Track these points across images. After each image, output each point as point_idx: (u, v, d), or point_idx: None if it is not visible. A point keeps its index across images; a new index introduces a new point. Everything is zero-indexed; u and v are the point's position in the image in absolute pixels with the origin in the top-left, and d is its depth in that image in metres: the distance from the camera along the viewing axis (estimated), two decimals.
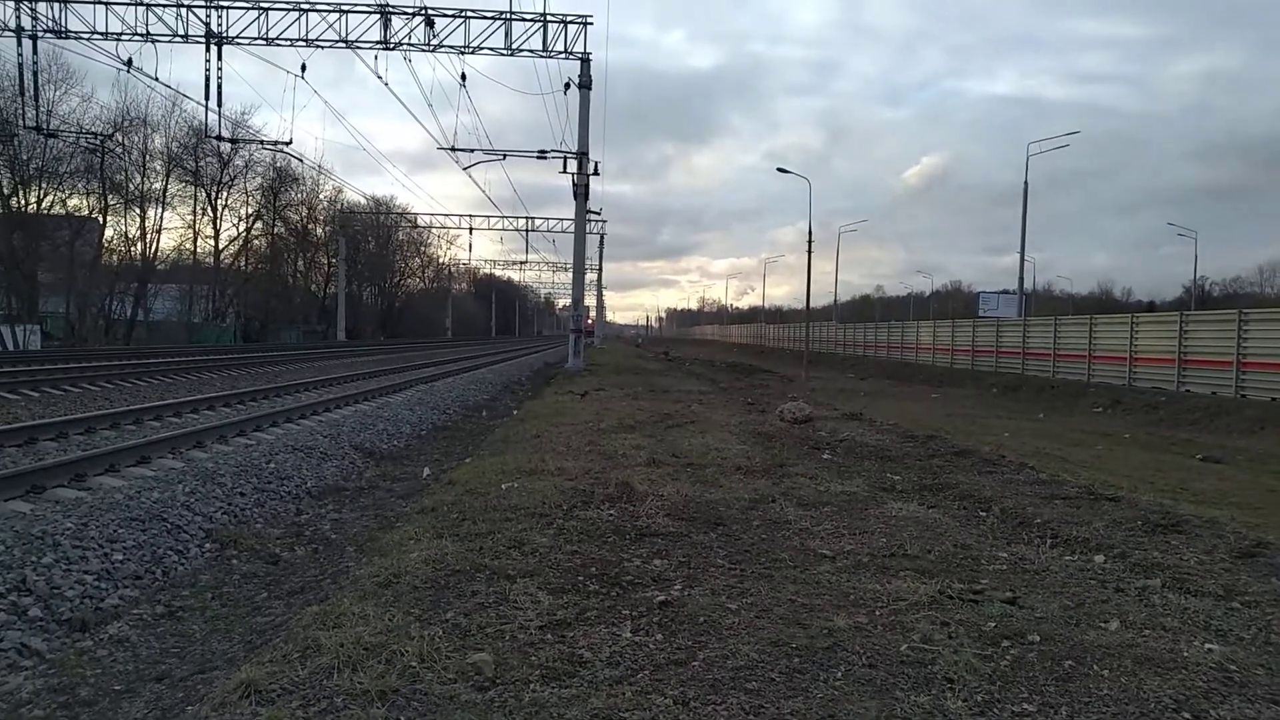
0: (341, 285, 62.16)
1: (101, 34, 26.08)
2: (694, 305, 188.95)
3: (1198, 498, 9.38)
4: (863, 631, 3.93)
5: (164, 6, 26.13)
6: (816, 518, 6.35)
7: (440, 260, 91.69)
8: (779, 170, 39.91)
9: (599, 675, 3.43)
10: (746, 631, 3.91)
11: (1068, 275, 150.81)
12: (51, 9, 25.98)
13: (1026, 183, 40.30)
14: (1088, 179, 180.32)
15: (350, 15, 26.69)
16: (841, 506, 6.80)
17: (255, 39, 26.62)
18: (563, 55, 28.00)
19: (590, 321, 63.56)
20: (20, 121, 31.22)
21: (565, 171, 29.69)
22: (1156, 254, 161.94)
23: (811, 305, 41.54)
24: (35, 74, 27.61)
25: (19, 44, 26.39)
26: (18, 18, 25.95)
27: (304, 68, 27.51)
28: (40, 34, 26.43)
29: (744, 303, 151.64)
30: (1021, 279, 41.77)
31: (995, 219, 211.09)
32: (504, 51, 27.58)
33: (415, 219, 69.38)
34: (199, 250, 52.47)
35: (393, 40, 27.00)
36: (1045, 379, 29.98)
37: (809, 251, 37.25)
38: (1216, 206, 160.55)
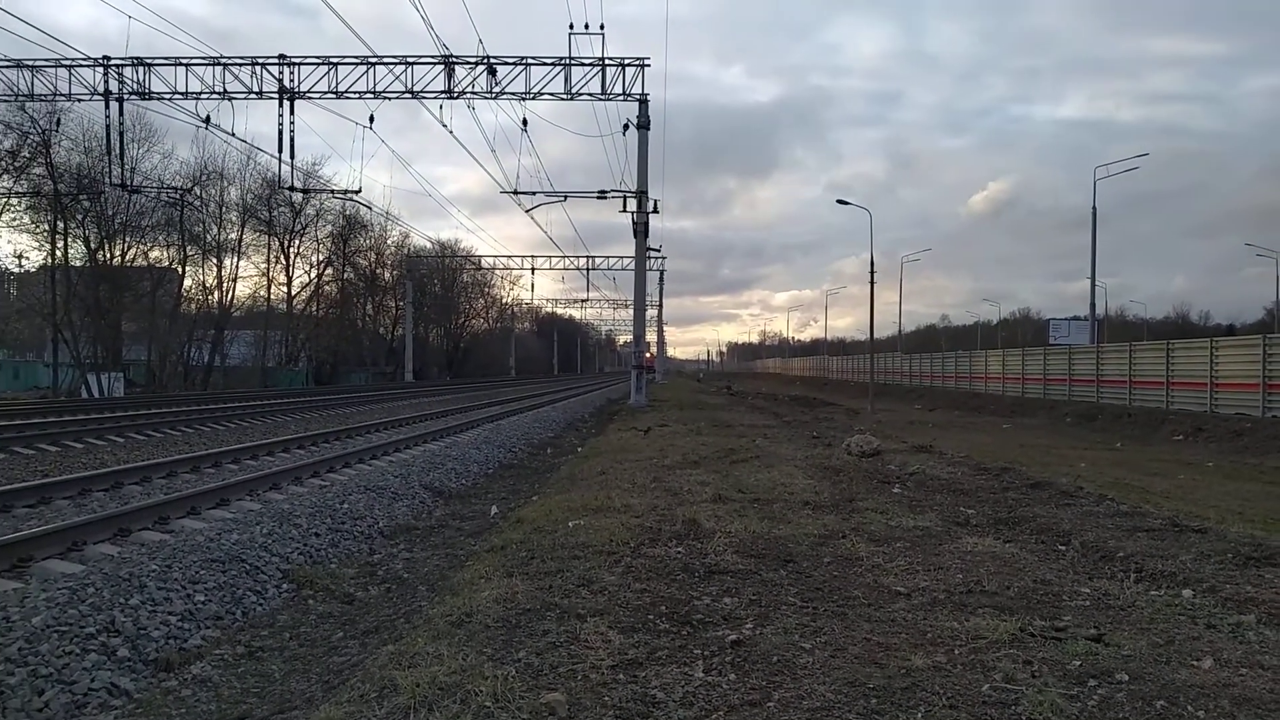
0: (409, 327, 63.49)
1: (181, 94, 27.36)
2: (755, 339, 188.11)
3: None
4: (942, 671, 3.82)
5: (240, 65, 27.32)
6: (889, 554, 6.23)
7: (504, 300, 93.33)
8: (839, 202, 39.84)
9: (673, 716, 3.40)
10: (821, 671, 3.84)
11: (1142, 300, 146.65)
12: (136, 73, 27.37)
13: (1095, 207, 39.47)
14: (1163, 200, 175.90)
15: (416, 66, 27.52)
16: (914, 542, 6.66)
17: (325, 93, 27.59)
18: (621, 97, 28.45)
19: (651, 357, 63.78)
20: (107, 179, 32.82)
21: (625, 210, 30.02)
22: (1237, 276, 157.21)
23: (876, 336, 41.06)
24: (121, 134, 29.06)
25: (106, 107, 27.85)
26: (106, 83, 27.39)
27: (372, 118, 28.46)
28: (126, 96, 27.84)
29: (806, 335, 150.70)
30: (1094, 304, 40.73)
31: (1066, 244, 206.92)
32: (564, 96, 28.13)
33: (479, 261, 70.94)
34: (273, 296, 54.30)
35: (456, 89, 27.75)
36: (1121, 407, 29.07)
37: (871, 283, 36.93)
38: None
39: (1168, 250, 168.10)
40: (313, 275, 57.54)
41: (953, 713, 3.39)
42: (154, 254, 43.68)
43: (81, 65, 27.25)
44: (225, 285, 48.71)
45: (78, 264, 39.94)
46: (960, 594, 5.14)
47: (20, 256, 42.60)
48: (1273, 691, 3.55)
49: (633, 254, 31.53)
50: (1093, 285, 39.79)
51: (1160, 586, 5.39)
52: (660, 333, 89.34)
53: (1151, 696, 3.49)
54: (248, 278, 54.65)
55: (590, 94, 28.27)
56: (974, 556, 6.14)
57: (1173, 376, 27.27)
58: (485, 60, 27.55)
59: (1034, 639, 4.24)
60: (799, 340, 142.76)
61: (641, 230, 29.89)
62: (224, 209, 47.93)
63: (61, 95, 28.11)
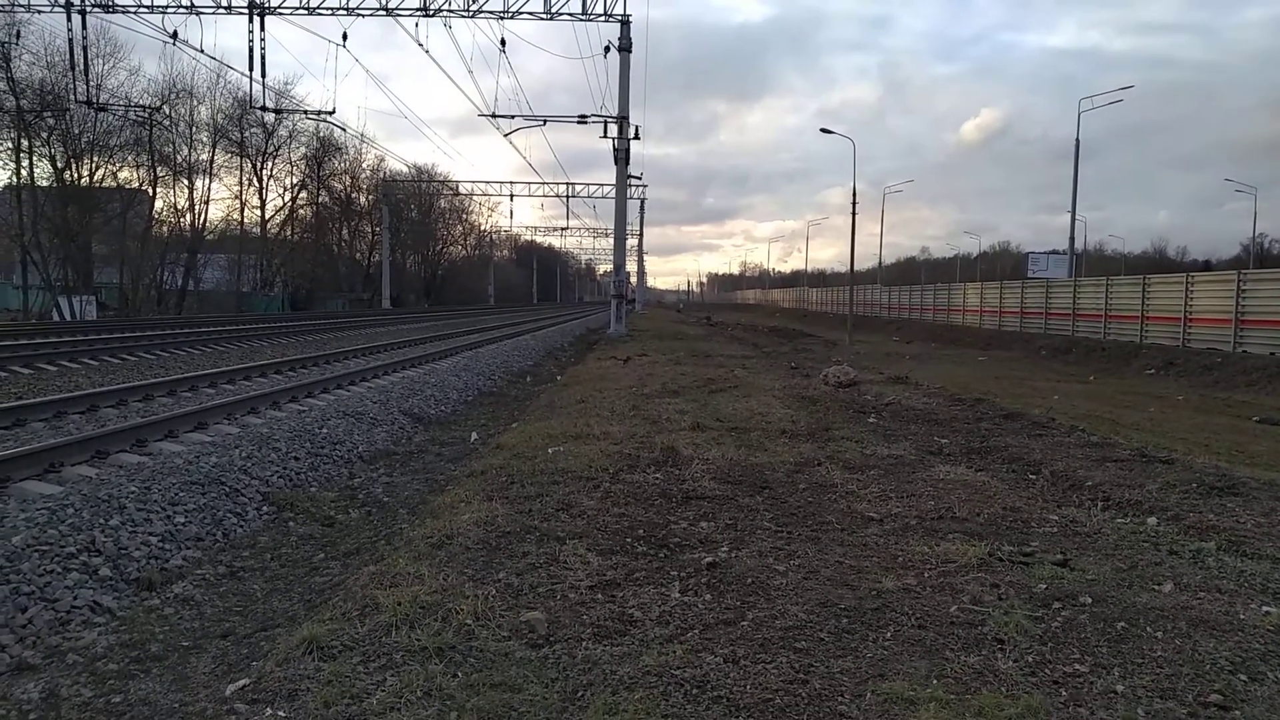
0: (385, 253, 62.76)
1: (147, 7, 26.38)
2: (736, 270, 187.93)
3: (1254, 460, 9.19)
4: (911, 593, 3.93)
5: None
6: (863, 481, 6.34)
7: (482, 227, 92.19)
8: (823, 131, 39.10)
9: (650, 634, 3.48)
10: (794, 592, 3.94)
11: (1123, 234, 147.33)
12: None
13: (1078, 140, 39.16)
14: (1150, 133, 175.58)
15: None
16: (888, 470, 6.78)
17: (297, 9, 26.71)
18: (602, 18, 27.74)
19: (631, 287, 63.59)
20: (72, 96, 31.80)
21: (606, 136, 29.54)
22: (1220, 211, 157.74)
23: (856, 268, 41.07)
24: (85, 49, 28.02)
25: (69, 19, 26.80)
26: None
27: (345, 36, 27.54)
28: (89, 8, 26.80)
29: (787, 266, 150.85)
30: (1072, 239, 40.83)
31: (1052, 176, 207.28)
32: (543, 15, 27.41)
33: (457, 186, 69.62)
34: (246, 220, 53.31)
35: (432, 6, 26.93)
36: (1096, 341, 29.41)
37: (853, 214, 36.80)
38: None
39: (1153, 184, 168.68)
40: (286, 199, 56.55)
41: (921, 632, 3.49)
42: (123, 174, 42.58)
43: None
44: (197, 208, 47.73)
45: (44, 184, 38.96)
46: (931, 520, 5.25)
47: None
48: (1228, 614, 3.68)
49: (614, 181, 31.15)
50: (1073, 219, 39.86)
51: (1126, 514, 5.53)
52: (640, 262, 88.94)
53: (1113, 618, 3.61)
54: (220, 200, 53.89)
55: (571, 14, 27.57)
56: (946, 484, 6.26)
57: (1148, 311, 27.54)
58: None
59: (1002, 563, 4.35)
60: (780, 272, 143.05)
61: (622, 157, 29.47)
62: (194, 129, 46.71)
63: (20, 5, 27.03)
